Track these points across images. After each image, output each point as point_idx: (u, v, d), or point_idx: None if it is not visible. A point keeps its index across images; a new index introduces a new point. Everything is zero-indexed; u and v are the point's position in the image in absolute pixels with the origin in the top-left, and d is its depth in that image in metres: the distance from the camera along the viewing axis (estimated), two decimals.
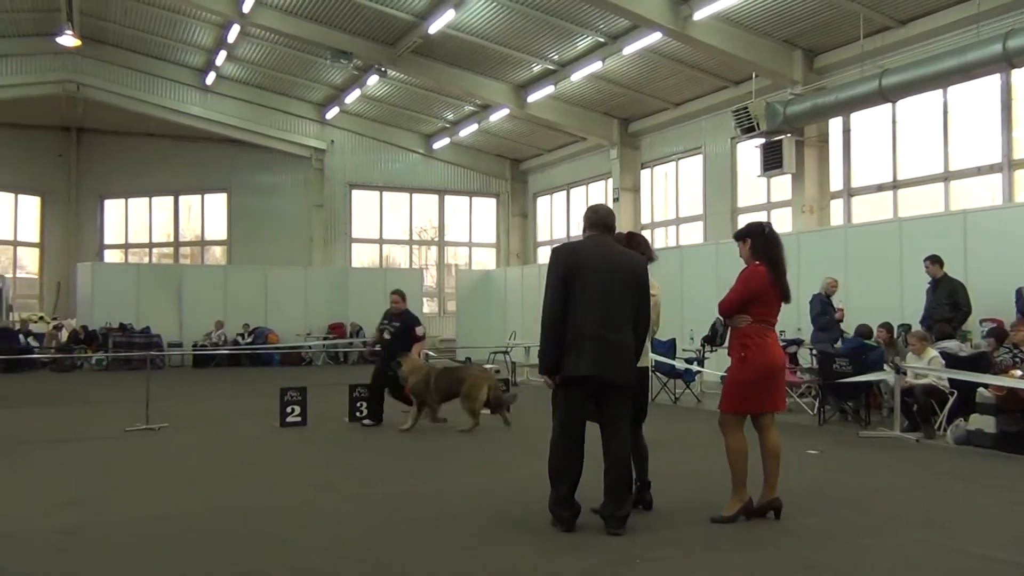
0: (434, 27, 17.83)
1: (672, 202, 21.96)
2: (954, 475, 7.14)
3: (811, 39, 16.01)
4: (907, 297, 11.87)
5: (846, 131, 16.75)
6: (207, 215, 28.21)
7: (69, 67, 23.09)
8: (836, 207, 16.90)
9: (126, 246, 28.39)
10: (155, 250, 28.48)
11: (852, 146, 16.76)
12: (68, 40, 20.59)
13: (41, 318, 22.93)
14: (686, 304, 15.19)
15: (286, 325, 22.00)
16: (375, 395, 10.13)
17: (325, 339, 22.28)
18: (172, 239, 28.37)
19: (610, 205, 16.43)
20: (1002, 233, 11.22)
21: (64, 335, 20.80)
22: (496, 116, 23.14)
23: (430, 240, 28.90)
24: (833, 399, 10.41)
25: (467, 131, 25.23)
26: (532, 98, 20.89)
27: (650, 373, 7.01)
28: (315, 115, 26.05)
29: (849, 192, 16.73)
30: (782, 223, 16.23)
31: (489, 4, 17.14)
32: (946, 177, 14.95)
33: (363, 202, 27.68)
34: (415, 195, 28.16)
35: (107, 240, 28.08)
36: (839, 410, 10.51)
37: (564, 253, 5.31)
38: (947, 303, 10.48)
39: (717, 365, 13.17)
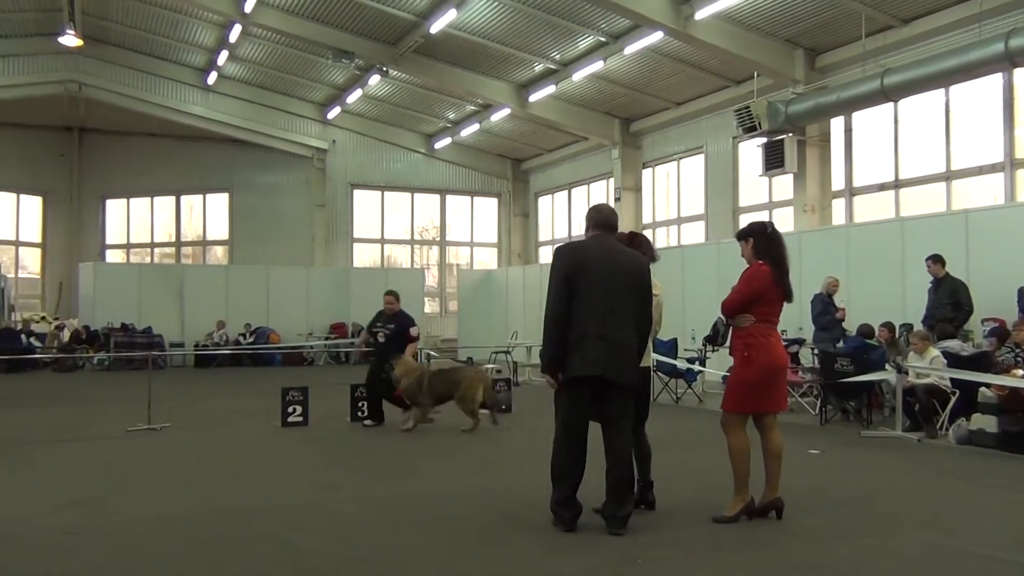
0: (436, 27, 17.83)
1: (674, 202, 21.94)
2: (956, 475, 7.13)
3: (813, 38, 16.00)
4: (909, 296, 11.86)
5: (848, 130, 16.74)
6: (209, 215, 28.22)
7: (71, 67, 23.10)
8: (838, 206, 16.88)
9: (128, 246, 28.40)
10: (157, 250, 28.50)
11: (854, 145, 16.74)
12: (70, 40, 20.62)
13: (43, 318, 22.95)
14: (687, 304, 15.19)
15: (288, 325, 22.02)
16: (372, 395, 10.08)
17: (327, 339, 22.29)
18: (174, 239, 28.39)
19: (612, 205, 16.44)
20: (1004, 232, 11.21)
21: (66, 335, 20.82)
22: (497, 116, 23.14)
23: (432, 240, 28.90)
24: (835, 399, 10.40)
25: (468, 131, 25.23)
26: (533, 98, 20.89)
27: (652, 373, 7.00)
28: (317, 115, 26.06)
29: (851, 191, 16.71)
30: (784, 223, 16.22)
31: (491, 4, 17.13)
32: (948, 176, 14.93)
33: (365, 202, 27.68)
34: (417, 195, 28.16)
35: (109, 240, 28.09)
36: (841, 410, 10.50)
37: (568, 252, 5.30)
38: (949, 303, 10.47)
39: (719, 365, 13.16)
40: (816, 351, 11.61)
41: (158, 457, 8.08)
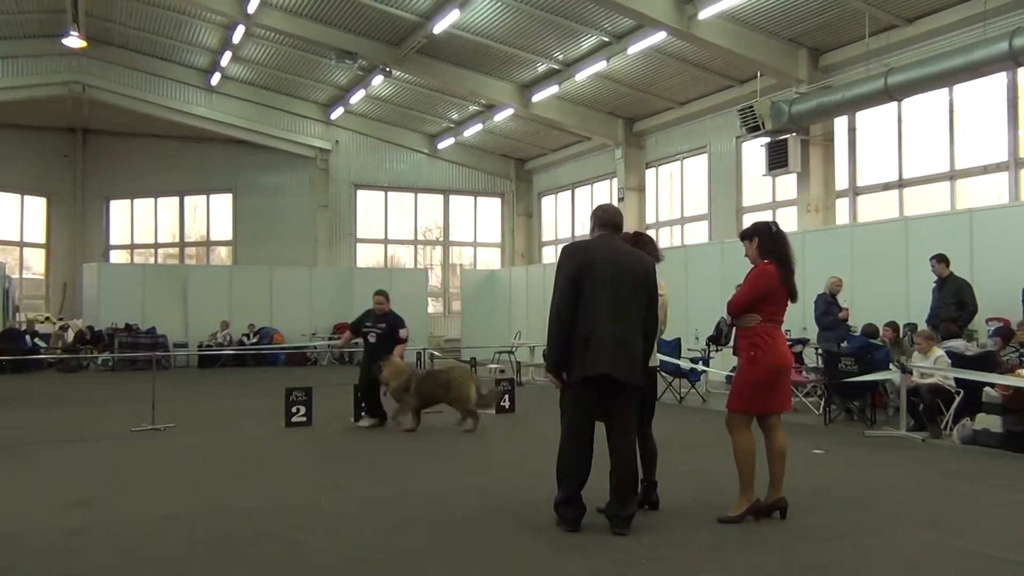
0: (439, 27, 17.84)
1: (677, 201, 21.93)
2: (960, 475, 7.12)
3: (816, 38, 15.98)
4: (913, 296, 11.84)
5: (851, 130, 16.71)
6: (212, 215, 28.26)
7: (75, 68, 23.15)
8: (841, 206, 16.86)
9: (132, 247, 28.45)
10: (160, 250, 28.54)
11: (857, 145, 16.71)
12: (74, 41, 20.66)
13: (47, 318, 23.01)
14: (691, 304, 15.18)
15: (291, 325, 22.05)
16: (369, 395, 10.02)
17: (330, 339, 22.28)
18: (177, 239, 28.43)
19: (616, 205, 16.42)
20: (1008, 232, 11.20)
21: (70, 335, 20.87)
22: (501, 116, 23.14)
23: (435, 240, 28.90)
24: (839, 398, 10.39)
25: (472, 131, 25.24)
26: (537, 98, 20.89)
27: (657, 373, 7.00)
28: (320, 115, 26.08)
29: (855, 191, 16.68)
30: (787, 222, 16.21)
31: (494, 4, 17.13)
32: (952, 176, 14.90)
33: (368, 202, 27.70)
34: (420, 195, 28.18)
35: (113, 241, 28.15)
36: (845, 409, 10.49)
37: (575, 252, 5.29)
38: (953, 302, 10.45)
39: (722, 365, 13.16)
40: (820, 351, 11.59)
41: (162, 457, 8.09)
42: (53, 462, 7.83)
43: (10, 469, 7.48)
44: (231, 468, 7.57)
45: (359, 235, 27.45)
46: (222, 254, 28.29)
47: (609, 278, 5.14)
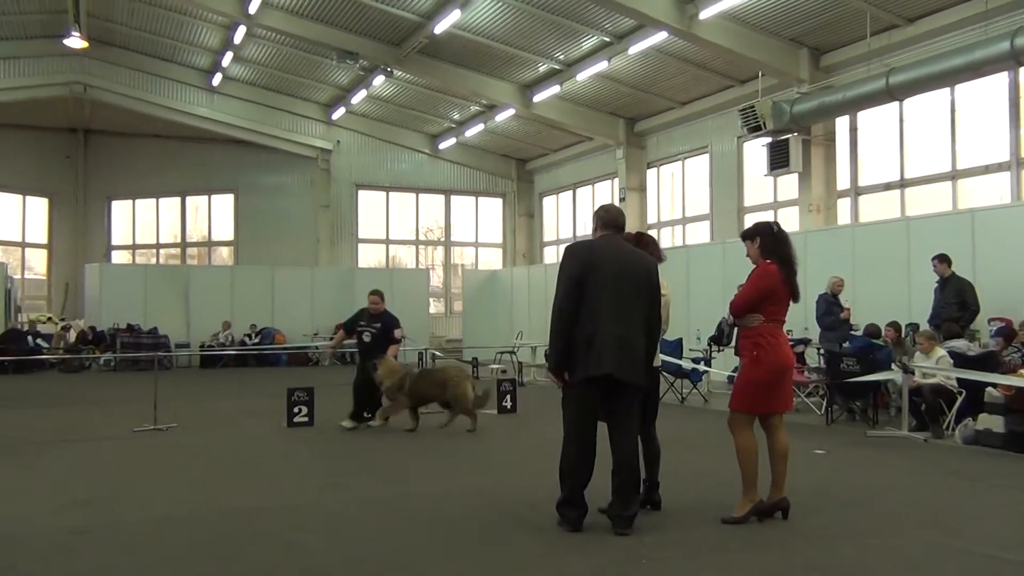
0: (440, 27, 17.84)
1: (678, 201, 21.93)
2: (962, 475, 7.11)
3: (818, 37, 15.98)
4: (915, 296, 11.83)
5: (853, 130, 16.70)
6: (214, 216, 28.28)
7: (76, 69, 23.17)
8: (843, 206, 16.85)
9: (133, 247, 28.49)
10: (162, 251, 28.58)
11: (859, 145, 16.71)
12: (75, 42, 20.69)
13: (49, 319, 23.03)
14: (693, 304, 15.18)
15: (293, 325, 22.05)
16: (367, 395, 9.94)
17: (332, 339, 22.28)
18: (179, 240, 28.45)
19: (617, 205, 16.41)
20: (1010, 232, 11.19)
21: (72, 336, 20.89)
22: (502, 116, 23.14)
23: (436, 240, 28.91)
24: (841, 399, 10.38)
25: (473, 131, 25.24)
26: (538, 98, 20.90)
27: (660, 373, 7.00)
28: (321, 116, 26.10)
29: (856, 191, 16.68)
30: (789, 222, 16.21)
31: (495, 4, 17.13)
32: (954, 176, 14.89)
33: (369, 202, 27.72)
34: (421, 195, 28.19)
35: (114, 241, 28.19)
36: (847, 410, 10.48)
37: (578, 251, 5.28)
38: (955, 302, 10.44)
39: (724, 365, 13.17)
40: (822, 351, 11.58)
41: (164, 457, 8.09)
42: (55, 462, 7.84)
43: (12, 469, 7.49)
44: (233, 468, 7.57)
45: (360, 235, 27.47)
46: (224, 254, 28.31)
47: (612, 278, 5.14)
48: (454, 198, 28.56)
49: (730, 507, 5.38)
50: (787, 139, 16.24)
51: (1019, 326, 10.22)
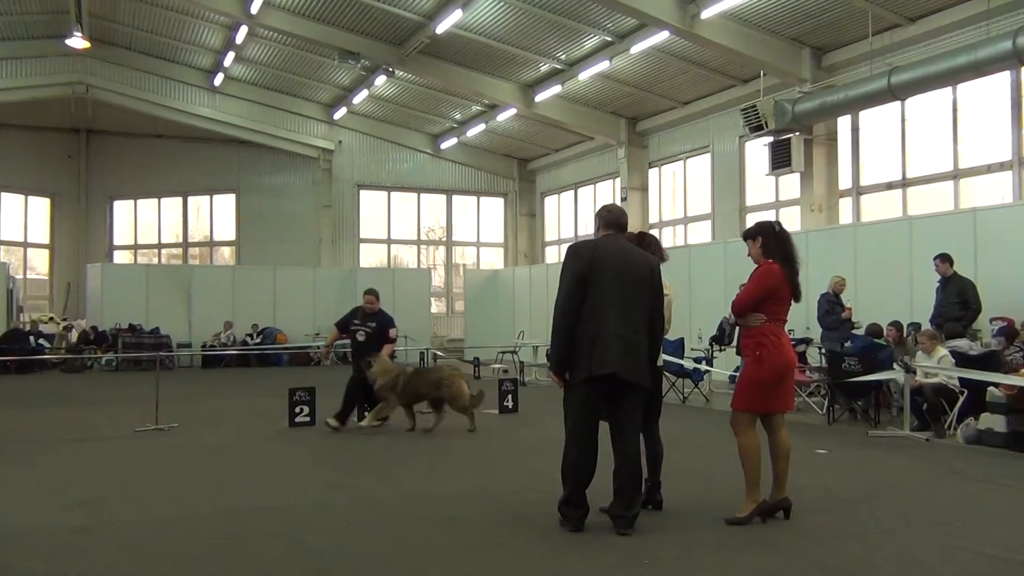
0: (441, 27, 17.84)
1: (680, 201, 21.93)
2: (964, 475, 7.11)
3: (819, 37, 15.96)
4: (917, 296, 11.83)
5: (855, 129, 16.70)
6: (216, 216, 28.30)
7: (78, 69, 23.20)
8: (845, 205, 16.85)
9: (135, 247, 28.52)
10: (164, 251, 28.60)
11: (861, 144, 16.70)
12: (77, 42, 20.72)
13: (51, 319, 23.03)
14: (694, 303, 15.17)
15: (295, 325, 22.05)
16: (360, 395, 9.86)
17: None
18: (181, 240, 28.47)
19: (619, 204, 16.41)
20: (1012, 231, 11.18)
21: (74, 336, 20.91)
22: (504, 116, 23.15)
23: (438, 240, 28.92)
24: (842, 398, 10.38)
25: (475, 131, 25.25)
26: (540, 97, 20.89)
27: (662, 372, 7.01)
28: (323, 115, 26.12)
29: (858, 190, 16.67)
30: (791, 222, 16.22)
31: (496, 4, 17.13)
32: (956, 175, 14.88)
33: (371, 202, 27.74)
34: (423, 195, 28.21)
35: (116, 241, 28.22)
36: (848, 409, 10.48)
37: (582, 251, 5.27)
38: (957, 302, 10.43)
39: (726, 364, 13.17)
40: (824, 350, 11.58)
41: (166, 457, 8.10)
42: (56, 462, 7.85)
43: (14, 468, 7.49)
44: (235, 468, 7.58)
45: (362, 235, 27.49)
46: (225, 254, 28.32)
47: (614, 278, 5.14)
48: (456, 198, 28.57)
49: (732, 507, 5.38)
50: (789, 139, 16.24)
51: (1021, 325, 10.21)
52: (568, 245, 5.65)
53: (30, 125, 25.89)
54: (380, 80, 22.07)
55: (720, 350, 12.95)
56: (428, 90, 23.24)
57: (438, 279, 28.36)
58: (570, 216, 26.68)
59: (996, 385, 8.51)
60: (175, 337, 20.95)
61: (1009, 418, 8.23)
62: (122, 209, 28.34)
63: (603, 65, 18.65)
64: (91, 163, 27.25)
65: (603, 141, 23.28)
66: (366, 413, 9.95)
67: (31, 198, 26.86)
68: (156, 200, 28.30)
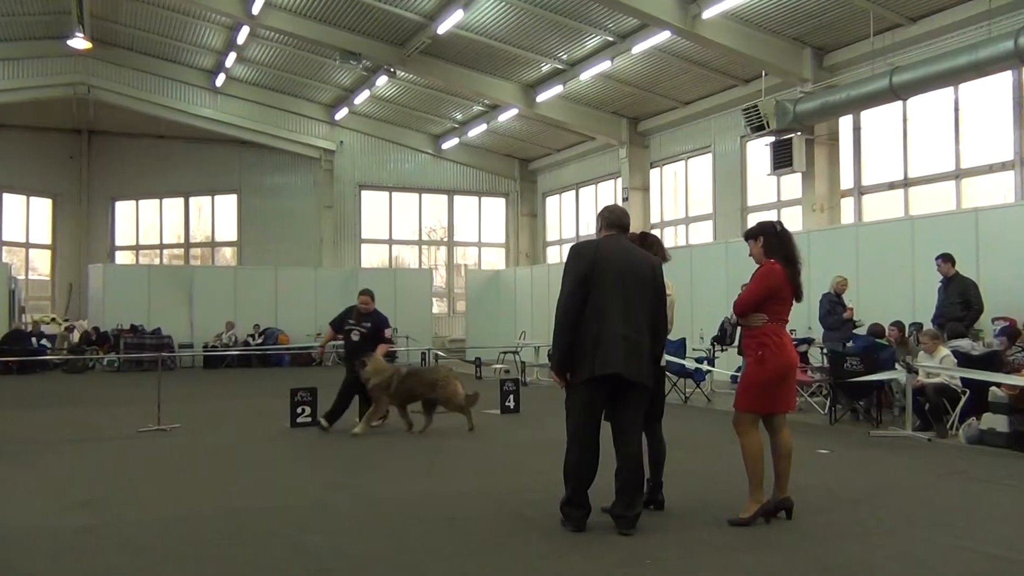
0: (443, 27, 17.83)
1: (682, 201, 21.92)
2: (967, 475, 7.10)
3: (821, 37, 15.95)
4: (919, 295, 11.82)
5: (856, 129, 16.69)
6: (217, 216, 28.32)
7: (80, 70, 23.21)
8: (847, 205, 16.84)
9: (137, 247, 28.54)
10: (166, 251, 28.63)
11: (863, 144, 16.69)
12: (79, 43, 20.74)
13: (53, 319, 23.06)
14: (696, 303, 15.16)
15: (296, 326, 22.05)
16: (353, 395, 9.80)
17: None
18: (183, 240, 28.49)
19: (621, 205, 16.41)
20: (1014, 231, 11.17)
21: (76, 336, 20.92)
22: (505, 116, 23.15)
23: (439, 240, 28.93)
24: (844, 398, 10.37)
25: (476, 131, 25.25)
26: (541, 98, 20.89)
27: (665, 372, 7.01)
28: (324, 116, 26.13)
29: (860, 190, 16.66)
30: (792, 222, 16.20)
31: (498, 4, 17.13)
32: (957, 175, 14.87)
33: (372, 203, 27.75)
34: (424, 195, 28.21)
35: (118, 242, 28.24)
36: (850, 409, 10.47)
37: (585, 251, 5.27)
38: (959, 301, 10.42)
39: (727, 364, 13.16)
40: (825, 350, 11.57)
41: (168, 458, 8.10)
42: (59, 462, 7.86)
43: (16, 469, 7.50)
44: (237, 468, 7.58)
45: (364, 235, 27.50)
46: (227, 255, 28.34)
47: (617, 278, 5.14)
48: (457, 198, 28.57)
49: (734, 507, 5.37)
50: (790, 138, 16.23)
51: (1022, 325, 10.19)
52: (570, 245, 5.65)
53: (32, 126, 25.92)
54: (381, 80, 22.07)
55: (722, 350, 12.95)
56: (429, 90, 23.24)
57: (439, 279, 28.37)
58: (571, 216, 26.67)
59: (998, 385, 8.50)
60: (177, 338, 20.97)
61: (1011, 418, 8.22)
62: (124, 210, 28.37)
63: (604, 65, 18.65)
64: (93, 164, 27.28)
65: (604, 141, 23.28)
66: (358, 418, 9.87)
67: (33, 199, 26.90)
68: (158, 201, 28.33)
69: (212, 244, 28.50)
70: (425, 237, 28.75)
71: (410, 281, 24.21)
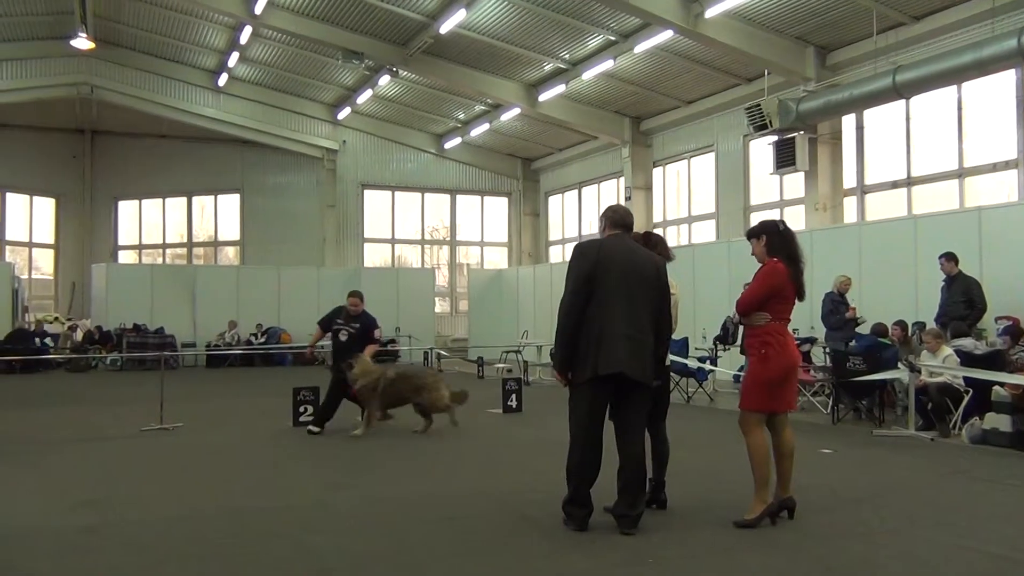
0: (445, 27, 17.84)
1: (684, 200, 21.90)
2: (969, 474, 7.09)
3: (824, 36, 15.93)
4: (922, 295, 11.80)
5: (859, 128, 16.66)
6: (220, 216, 28.35)
7: (83, 70, 23.24)
8: (849, 204, 16.82)
9: (140, 247, 28.57)
10: (168, 251, 28.65)
11: (865, 143, 16.67)
12: (82, 43, 20.74)
13: (56, 319, 23.09)
14: (698, 303, 15.16)
15: (299, 325, 21.93)
16: (340, 397, 9.67)
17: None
18: (185, 240, 28.53)
19: (623, 204, 16.41)
20: (1017, 230, 11.15)
21: (79, 335, 20.95)
22: (507, 115, 23.14)
23: (442, 240, 28.93)
24: (847, 398, 10.35)
25: (478, 130, 25.24)
26: (543, 97, 20.88)
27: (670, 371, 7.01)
28: (327, 115, 26.14)
29: (863, 189, 16.64)
30: (795, 221, 16.17)
31: (500, 3, 17.13)
32: (961, 174, 14.84)
33: (375, 202, 27.76)
34: (427, 195, 28.21)
35: (121, 241, 28.27)
36: (853, 409, 10.46)
37: (589, 251, 5.26)
38: (962, 300, 10.40)
39: (730, 364, 13.15)
40: (828, 350, 11.56)
41: (170, 457, 8.11)
42: (61, 461, 7.87)
43: (19, 468, 7.51)
44: (239, 468, 7.59)
45: (366, 235, 27.50)
46: (230, 254, 28.36)
47: (621, 277, 5.13)
48: (459, 197, 28.57)
49: (736, 507, 5.36)
50: (793, 137, 16.21)
51: None
52: (574, 245, 5.65)
53: (35, 126, 25.94)
54: (384, 80, 22.08)
55: (724, 349, 12.93)
56: (432, 90, 23.25)
57: (442, 279, 28.37)
58: (574, 215, 26.66)
59: (1001, 384, 8.48)
60: (179, 337, 20.99)
61: (1014, 418, 8.21)
62: (126, 209, 28.40)
63: (607, 64, 18.63)
64: (96, 163, 27.31)
65: (607, 140, 23.27)
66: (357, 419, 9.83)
67: (36, 198, 26.94)
68: (160, 200, 28.36)
69: (215, 243, 28.53)
70: (428, 236, 28.75)
71: (413, 280, 24.24)
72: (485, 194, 28.76)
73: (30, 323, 22.59)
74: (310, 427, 9.43)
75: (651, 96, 20.60)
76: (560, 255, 26.44)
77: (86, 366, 19.31)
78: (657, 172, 22.50)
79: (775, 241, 5.48)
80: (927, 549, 4.83)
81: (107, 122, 26.35)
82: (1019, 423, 8.16)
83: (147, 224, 28.53)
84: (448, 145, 27.01)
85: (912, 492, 6.41)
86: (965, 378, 9.08)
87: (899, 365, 9.59)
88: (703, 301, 15.09)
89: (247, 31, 20.50)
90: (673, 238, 21.47)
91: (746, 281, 5.70)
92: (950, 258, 10.62)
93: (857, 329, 11.60)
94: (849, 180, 16.81)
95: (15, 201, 26.57)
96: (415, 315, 22.85)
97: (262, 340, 21.22)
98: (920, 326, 11.03)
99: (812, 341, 12.39)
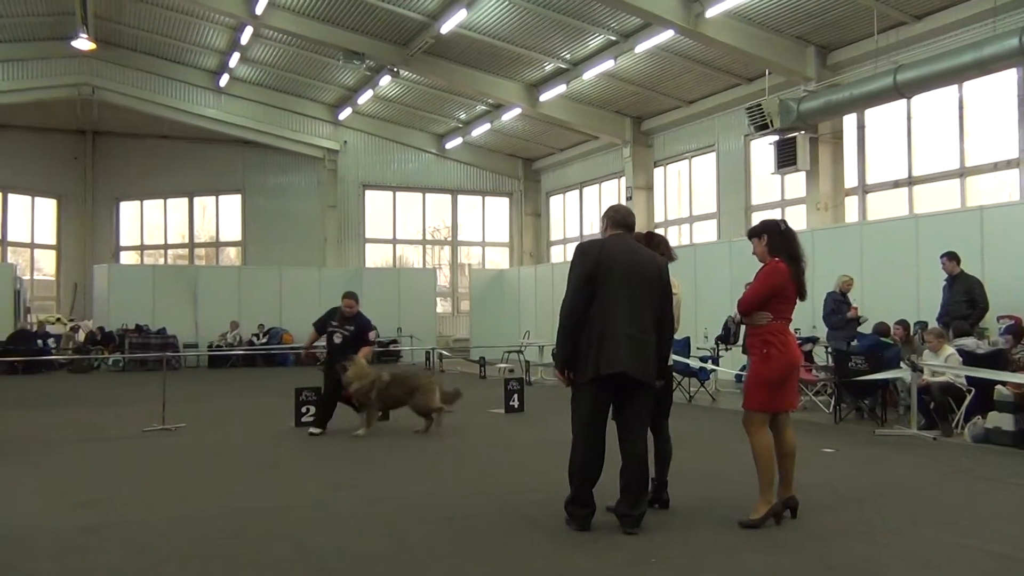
0: (446, 27, 17.84)
1: (685, 200, 21.90)
2: (972, 473, 7.08)
3: (824, 35, 15.93)
4: (924, 294, 11.79)
5: (860, 127, 16.65)
6: (221, 216, 28.36)
7: (84, 70, 23.27)
8: (851, 204, 16.81)
9: (141, 248, 28.59)
10: (170, 251, 28.68)
11: (867, 142, 16.66)
12: (83, 44, 20.76)
13: (58, 319, 23.12)
14: (700, 302, 15.16)
15: (301, 325, 21.83)
16: (328, 400, 9.69)
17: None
18: (187, 240, 28.54)
19: (624, 204, 16.40)
20: (1019, 229, 11.14)
21: (81, 336, 20.97)
22: (508, 115, 23.14)
23: (443, 240, 28.94)
24: (849, 397, 10.35)
25: (479, 131, 25.25)
26: (544, 97, 20.88)
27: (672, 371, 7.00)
28: (328, 116, 26.16)
29: (864, 189, 16.63)
30: (796, 220, 16.16)
31: (501, 3, 17.13)
32: (962, 173, 14.83)
33: (376, 202, 27.77)
34: (428, 195, 28.22)
35: (123, 242, 28.29)
36: (855, 408, 10.45)
37: (591, 250, 5.26)
38: (964, 300, 10.40)
39: (731, 364, 13.15)
40: (830, 349, 11.55)
41: (173, 457, 8.11)
42: (63, 462, 7.87)
43: (21, 468, 7.51)
44: (241, 468, 7.59)
45: (367, 235, 27.52)
46: (231, 255, 28.38)
47: (623, 277, 5.13)
48: (461, 198, 28.57)
49: (739, 506, 5.36)
50: (794, 137, 16.20)
51: None
52: (575, 244, 5.65)
53: (36, 127, 25.97)
54: (385, 80, 22.08)
55: (726, 349, 12.92)
56: (433, 90, 23.25)
57: (443, 279, 28.38)
58: (575, 215, 26.66)
59: (1004, 383, 8.47)
60: (181, 337, 21.00)
61: (1017, 416, 8.20)
62: (128, 210, 28.42)
63: (608, 64, 18.63)
64: (97, 164, 27.33)
65: (608, 140, 23.26)
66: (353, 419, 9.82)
67: (38, 199, 26.96)
68: (162, 201, 28.38)
69: (216, 244, 28.55)
70: (429, 237, 28.76)
71: (414, 281, 24.26)
72: (486, 194, 28.77)
73: (32, 324, 22.60)
74: (311, 429, 9.42)
75: (652, 96, 20.59)
76: (561, 255, 26.44)
77: (88, 367, 19.31)
78: (658, 172, 22.50)
79: (776, 240, 5.47)
80: (929, 548, 4.82)
81: (108, 123, 26.37)
82: (1021, 422, 8.16)
83: (149, 225, 28.55)
84: (449, 145, 27.02)
85: (914, 491, 6.40)
86: (967, 377, 9.07)
87: (901, 364, 9.59)
88: (704, 301, 15.09)
89: (248, 31, 20.51)
90: (674, 238, 21.46)
91: (747, 281, 5.70)
92: (952, 257, 10.61)
93: (859, 328, 11.60)
94: (850, 180, 16.80)
95: (17, 202, 26.59)
96: (417, 315, 22.87)
97: (264, 340, 21.23)
98: (922, 325, 11.03)
99: (814, 341, 12.38)
